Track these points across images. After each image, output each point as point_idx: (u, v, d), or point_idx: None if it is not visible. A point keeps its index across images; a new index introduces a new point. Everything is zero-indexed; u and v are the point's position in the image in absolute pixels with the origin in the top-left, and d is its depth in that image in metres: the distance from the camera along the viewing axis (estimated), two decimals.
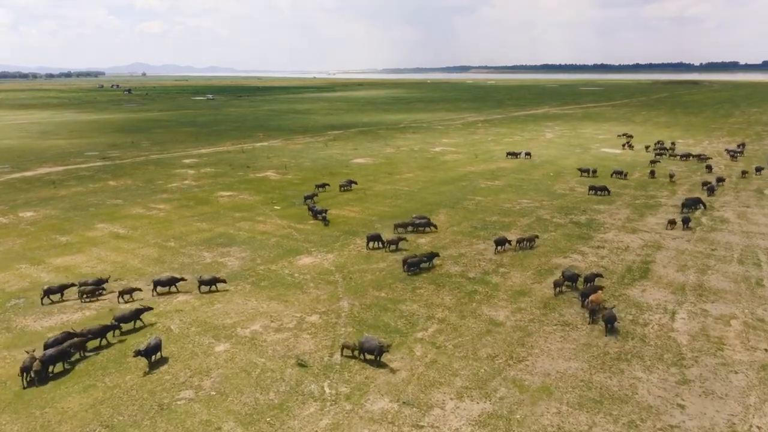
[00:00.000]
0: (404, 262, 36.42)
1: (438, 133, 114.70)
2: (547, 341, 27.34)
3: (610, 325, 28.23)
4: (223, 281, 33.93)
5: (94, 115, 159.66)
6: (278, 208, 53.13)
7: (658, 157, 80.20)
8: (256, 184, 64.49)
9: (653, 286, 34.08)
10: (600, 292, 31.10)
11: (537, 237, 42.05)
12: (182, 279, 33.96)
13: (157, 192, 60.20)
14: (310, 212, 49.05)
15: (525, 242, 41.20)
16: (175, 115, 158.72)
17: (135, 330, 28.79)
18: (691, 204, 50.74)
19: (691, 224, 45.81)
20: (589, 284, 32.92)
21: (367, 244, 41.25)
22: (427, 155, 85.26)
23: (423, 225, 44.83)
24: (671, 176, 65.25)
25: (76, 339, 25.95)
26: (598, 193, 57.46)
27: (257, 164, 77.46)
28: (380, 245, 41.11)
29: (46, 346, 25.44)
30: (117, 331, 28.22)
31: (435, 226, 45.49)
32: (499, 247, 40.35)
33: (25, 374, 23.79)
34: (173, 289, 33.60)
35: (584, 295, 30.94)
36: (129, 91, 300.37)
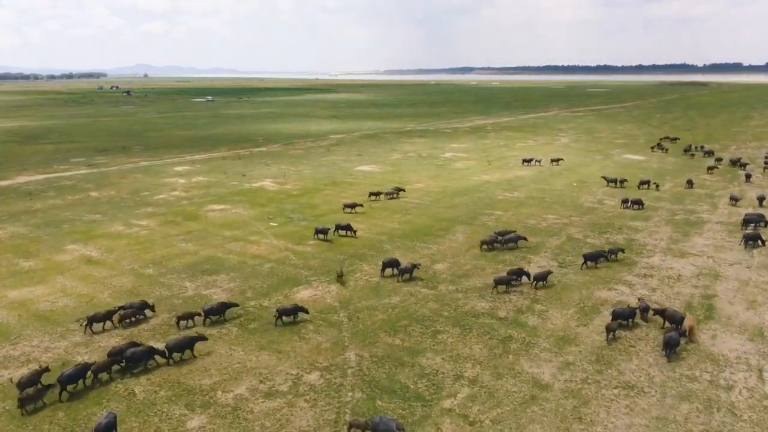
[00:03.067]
0: (497, 282, 32.95)
1: (446, 137, 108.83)
2: (610, 413, 21.46)
3: (670, 350, 25.46)
4: (305, 311, 29.36)
5: (88, 118, 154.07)
6: (274, 225, 47.32)
7: (717, 163, 73.15)
8: (251, 195, 58.70)
9: (724, 329, 28.18)
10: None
11: (622, 251, 38.63)
12: (235, 305, 30.08)
13: (142, 205, 54.42)
14: (336, 228, 43.91)
15: (611, 254, 37.86)
16: (171, 118, 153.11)
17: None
18: (755, 221, 44.48)
19: (759, 242, 40.59)
20: (645, 312, 29.17)
21: (382, 271, 35.51)
22: (436, 162, 79.41)
23: (514, 239, 40.81)
24: (734, 200, 52.96)
25: (102, 362, 24.24)
26: (634, 206, 51.57)
27: (254, 172, 71.69)
28: (394, 272, 35.35)
29: (110, 354, 24.78)
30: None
31: (525, 239, 41.30)
32: (590, 263, 36.66)
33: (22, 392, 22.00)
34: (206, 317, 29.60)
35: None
36: (128, 92, 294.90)
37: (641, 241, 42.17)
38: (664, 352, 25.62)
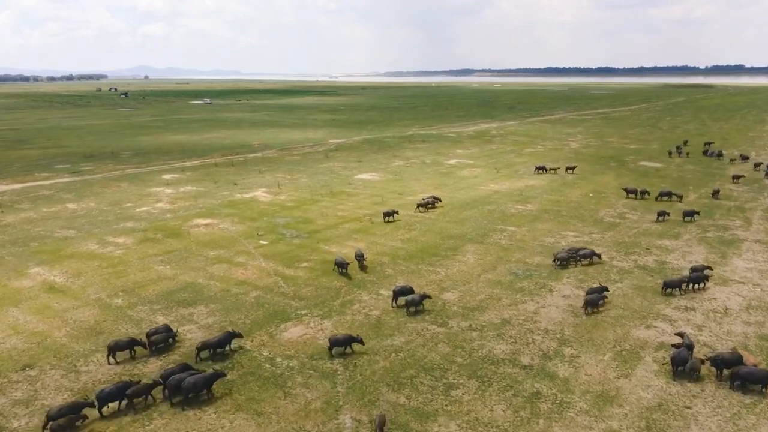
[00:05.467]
0: (589, 303, 30.09)
1: (450, 142, 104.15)
2: None
3: (744, 384, 22.64)
4: (360, 341, 26.20)
5: (80, 121, 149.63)
6: (264, 243, 42.70)
7: (755, 168, 69.64)
8: (241, 207, 54.08)
9: None
10: (747, 353, 25.36)
11: (711, 268, 35.42)
12: (239, 335, 26.75)
13: (122, 219, 49.81)
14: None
15: (703, 270, 34.51)
16: (166, 121, 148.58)
17: None
18: None
19: None
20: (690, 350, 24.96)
21: (394, 300, 31.08)
22: (441, 169, 74.78)
23: (588, 256, 38.01)
24: None
25: (140, 386, 22.31)
26: (686, 218, 48.27)
27: (247, 180, 67.13)
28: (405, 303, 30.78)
29: (164, 377, 22.77)
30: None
31: (599, 256, 38.37)
32: (700, 277, 33.74)
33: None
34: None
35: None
36: (125, 94, 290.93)
37: (674, 264, 37.54)
38: (740, 389, 22.79)
